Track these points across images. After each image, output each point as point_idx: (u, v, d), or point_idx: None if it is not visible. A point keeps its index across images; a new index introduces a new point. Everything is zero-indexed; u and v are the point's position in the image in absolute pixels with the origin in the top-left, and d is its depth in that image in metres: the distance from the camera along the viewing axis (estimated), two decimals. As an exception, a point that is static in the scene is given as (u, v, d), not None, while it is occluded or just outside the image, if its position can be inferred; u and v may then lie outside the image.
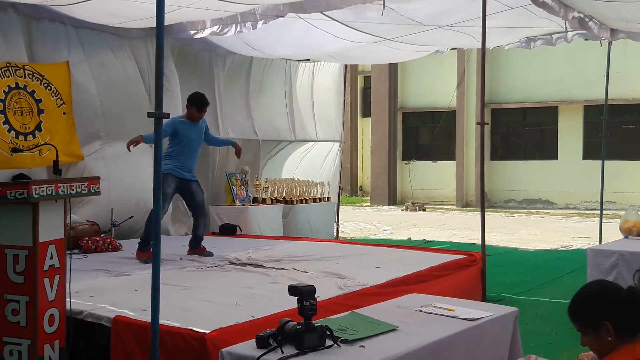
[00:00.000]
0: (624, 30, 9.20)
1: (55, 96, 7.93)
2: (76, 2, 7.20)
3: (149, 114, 3.79)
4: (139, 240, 7.03)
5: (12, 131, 7.41)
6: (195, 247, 7.28)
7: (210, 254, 7.16)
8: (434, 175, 20.96)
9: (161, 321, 3.94)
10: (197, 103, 7.10)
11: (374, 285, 5.56)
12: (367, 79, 22.95)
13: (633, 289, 2.57)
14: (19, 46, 7.68)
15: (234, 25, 8.15)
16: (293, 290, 2.98)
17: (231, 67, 10.67)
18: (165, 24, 7.42)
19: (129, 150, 6.72)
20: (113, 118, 8.61)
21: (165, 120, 6.78)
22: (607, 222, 10.64)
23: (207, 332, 3.99)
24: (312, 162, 12.26)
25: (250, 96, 11.04)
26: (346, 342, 3.04)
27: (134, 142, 6.68)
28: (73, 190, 4.14)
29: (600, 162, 10.09)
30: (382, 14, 7.13)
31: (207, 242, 8.34)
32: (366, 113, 23.07)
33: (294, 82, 11.96)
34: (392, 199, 21.06)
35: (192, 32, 8.72)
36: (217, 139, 8.03)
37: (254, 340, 2.98)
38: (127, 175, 8.42)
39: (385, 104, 21.18)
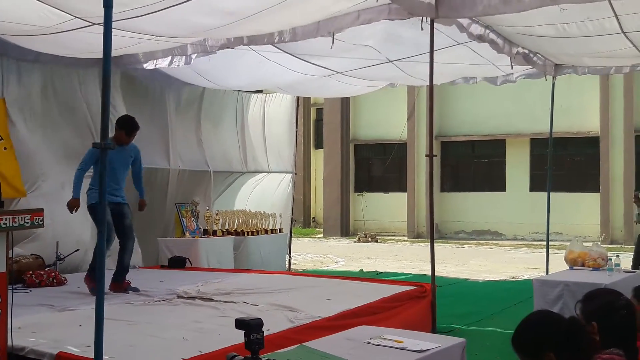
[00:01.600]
0: (568, 64, 9.50)
1: None
2: (27, 35, 7.10)
3: (94, 144, 3.73)
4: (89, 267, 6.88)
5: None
6: (120, 282, 6.96)
7: (136, 290, 6.92)
8: (385, 207, 21.13)
9: (106, 357, 3.85)
10: (126, 126, 6.97)
11: (324, 318, 5.53)
12: (319, 111, 23.13)
13: (575, 319, 2.61)
14: None
15: (184, 56, 8.14)
16: (240, 323, 2.94)
17: (183, 97, 10.63)
18: (115, 54, 7.37)
19: (72, 214, 6.75)
20: (54, 153, 8.45)
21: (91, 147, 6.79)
22: (554, 253, 10.84)
23: (153, 368, 3.91)
24: (264, 193, 12.24)
25: (202, 127, 10.99)
26: (294, 376, 3.01)
27: (73, 206, 6.74)
28: (16, 222, 4.03)
29: (546, 194, 10.32)
30: (331, 48, 7.21)
31: (156, 275, 8.25)
32: (319, 144, 23.20)
33: (246, 113, 11.97)
34: (345, 230, 21.12)
35: (142, 62, 8.67)
36: (139, 180, 7.38)
37: (200, 375, 2.92)
38: (66, 211, 8.25)
39: (338, 136, 21.36)
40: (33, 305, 5.98)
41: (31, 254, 7.74)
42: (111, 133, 6.93)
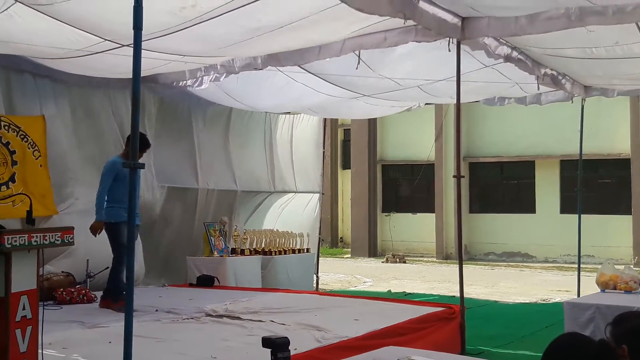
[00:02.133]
0: (597, 87, 9.43)
1: (32, 148, 7.93)
2: (58, 58, 7.27)
3: (124, 164, 3.80)
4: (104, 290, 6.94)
5: (-14, 181, 7.39)
6: (107, 299, 7.00)
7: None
8: (414, 228, 21.02)
9: (134, 374, 3.88)
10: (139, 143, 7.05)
11: (351, 338, 5.52)
12: (347, 132, 23.17)
13: (605, 342, 2.57)
14: None
15: (212, 74, 8.24)
16: (266, 342, 2.96)
17: (211, 117, 10.74)
18: (143, 75, 7.51)
19: (96, 236, 6.83)
20: (87, 172, 8.59)
21: (107, 164, 6.87)
22: (586, 276, 10.69)
23: (181, 385, 3.93)
24: (291, 213, 12.27)
25: (230, 147, 11.08)
26: (321, 395, 3.01)
27: (97, 229, 6.85)
28: (46, 240, 4.09)
29: (577, 216, 10.20)
30: (356, 68, 7.24)
31: (185, 293, 8.30)
32: (346, 165, 23.21)
33: (274, 133, 12.06)
34: (373, 251, 21.04)
35: (171, 83, 8.80)
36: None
37: (227, 393, 2.93)
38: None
39: (365, 156, 21.36)
40: (64, 322, 6.06)
41: (62, 272, 7.85)
42: (144, 157, 7.03)
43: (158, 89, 9.30)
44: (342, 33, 6.75)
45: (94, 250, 8.18)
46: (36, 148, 7.96)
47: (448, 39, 6.60)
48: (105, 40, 6.34)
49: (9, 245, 3.85)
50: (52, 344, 4.79)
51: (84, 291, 7.54)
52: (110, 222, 6.87)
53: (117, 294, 6.69)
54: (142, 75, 3.95)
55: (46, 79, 8.27)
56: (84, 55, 6.97)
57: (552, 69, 8.35)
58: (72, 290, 7.47)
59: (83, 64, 7.46)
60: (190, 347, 5.10)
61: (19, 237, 3.93)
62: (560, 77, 8.64)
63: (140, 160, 6.84)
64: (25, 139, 7.87)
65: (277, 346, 2.94)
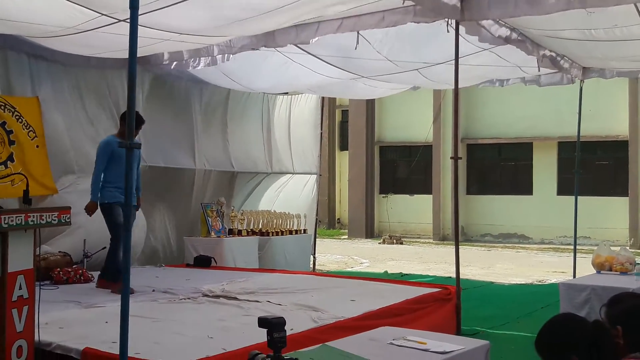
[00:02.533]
0: (596, 68, 9.40)
1: (27, 129, 7.89)
2: (55, 36, 7.21)
3: (120, 144, 3.78)
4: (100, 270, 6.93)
5: (-17, 161, 7.37)
6: (111, 280, 6.94)
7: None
8: (411, 209, 21.05)
9: (131, 354, 3.89)
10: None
11: (348, 318, 5.54)
12: (345, 113, 23.12)
13: (599, 323, 2.59)
14: None
15: (210, 56, 8.19)
16: (262, 322, 2.95)
17: (208, 98, 10.69)
18: (140, 55, 7.43)
19: (90, 216, 6.80)
20: (85, 152, 8.57)
21: (101, 144, 6.84)
22: (582, 257, 10.71)
23: (177, 365, 3.95)
24: (289, 195, 12.27)
25: (227, 128, 11.05)
26: (316, 375, 3.02)
27: (92, 209, 6.81)
28: (43, 220, 4.10)
29: (574, 197, 10.21)
30: (355, 49, 7.20)
31: (182, 273, 8.32)
32: (344, 146, 23.19)
33: (271, 114, 12.02)
34: (370, 232, 21.08)
35: (167, 62, 8.76)
36: (138, 177, 7.31)
37: (223, 373, 2.95)
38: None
39: (363, 138, 21.33)
40: (60, 302, 6.07)
41: (59, 252, 7.86)
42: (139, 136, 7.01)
43: (155, 69, 9.24)
44: (339, 9, 6.68)
45: (94, 230, 8.18)
46: (31, 129, 7.93)
47: (447, 19, 6.56)
48: (102, 15, 6.28)
49: (6, 225, 3.86)
50: (48, 323, 4.81)
51: (80, 271, 7.54)
52: (104, 202, 6.86)
53: (115, 275, 6.69)
54: (138, 55, 3.92)
55: (42, 60, 8.21)
56: (80, 32, 6.91)
57: (551, 51, 8.32)
58: (69, 270, 7.48)
59: (80, 42, 7.41)
60: (186, 327, 5.12)
61: (16, 216, 3.95)
62: (559, 59, 8.61)
63: (135, 139, 6.88)
64: (20, 120, 7.84)
65: (273, 326, 2.93)
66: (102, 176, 6.89)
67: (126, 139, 3.79)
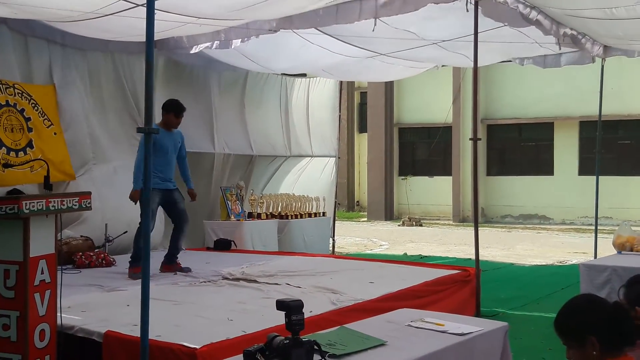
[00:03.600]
0: (617, 47, 9.26)
1: (42, 117, 7.96)
2: (73, 20, 7.24)
3: (139, 129, 3.80)
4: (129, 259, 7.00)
5: (3, 147, 7.44)
6: (172, 263, 7.12)
7: (187, 270, 7.05)
8: (430, 191, 20.99)
9: (152, 336, 3.94)
10: (175, 109, 7.05)
11: (366, 300, 5.56)
12: (363, 95, 23.04)
13: (619, 304, 2.57)
14: (11, 64, 7.72)
15: (228, 40, 8.18)
16: (280, 304, 2.98)
17: (226, 82, 10.70)
18: (158, 38, 7.42)
19: (136, 204, 6.82)
20: (103, 138, 8.63)
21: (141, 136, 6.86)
22: (603, 238, 10.64)
23: (197, 347, 3.99)
24: (308, 178, 12.28)
25: (245, 111, 11.06)
26: (334, 357, 3.04)
27: (136, 198, 6.82)
28: (64, 205, 4.15)
29: (595, 177, 10.11)
30: (373, 30, 7.16)
31: (202, 256, 8.39)
32: (363, 129, 23.13)
33: (290, 97, 12.01)
34: (389, 214, 21.07)
35: (186, 46, 8.75)
36: (185, 167, 7.43)
37: (242, 355, 2.97)
38: (118, 195, 8.40)
39: (382, 120, 21.25)
40: (82, 286, 6.15)
41: (81, 236, 7.94)
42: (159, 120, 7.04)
43: (172, 52, 9.25)
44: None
45: (112, 216, 8.27)
46: (46, 117, 7.99)
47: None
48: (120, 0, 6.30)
49: (27, 211, 3.91)
50: (71, 307, 4.88)
51: (102, 255, 7.63)
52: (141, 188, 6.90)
53: (137, 260, 6.77)
54: (156, 38, 3.93)
55: (61, 46, 8.24)
56: (98, 17, 6.93)
57: (572, 29, 8.20)
58: (91, 254, 7.57)
59: (98, 26, 7.43)
60: (207, 310, 5.16)
61: (37, 202, 3.99)
62: (580, 37, 8.49)
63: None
64: (36, 108, 7.90)
65: (291, 309, 2.96)
66: (142, 165, 6.90)
67: (145, 124, 3.82)
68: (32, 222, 3.99)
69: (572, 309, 2.57)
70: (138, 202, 6.71)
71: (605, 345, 2.43)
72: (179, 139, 7.25)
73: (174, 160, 7.18)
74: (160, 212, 7.79)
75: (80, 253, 7.51)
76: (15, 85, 7.69)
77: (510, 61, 10.45)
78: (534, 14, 7.25)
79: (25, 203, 3.90)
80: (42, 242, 4.07)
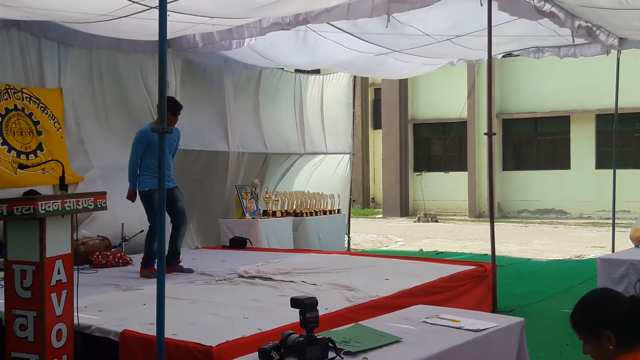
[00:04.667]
0: (633, 39, 9.17)
1: (52, 120, 8.01)
2: (88, 22, 7.28)
3: (152, 130, 3.81)
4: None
5: (13, 151, 7.50)
6: (173, 264, 7.04)
7: (190, 270, 7.03)
8: (446, 186, 20.91)
9: (168, 335, 3.96)
10: (172, 107, 7.03)
11: (382, 297, 5.55)
12: (377, 91, 22.98)
13: (635, 299, 2.54)
14: (19, 69, 7.77)
15: (240, 36, 8.19)
16: (295, 302, 2.98)
17: (240, 80, 10.70)
18: (171, 37, 7.41)
19: (133, 202, 6.94)
20: (114, 137, 8.67)
21: (137, 134, 6.89)
22: (621, 231, 10.55)
23: (213, 345, 4.00)
24: (322, 175, 12.28)
25: (260, 109, 11.07)
26: (349, 354, 3.03)
27: (130, 197, 6.92)
28: (79, 205, 4.17)
29: (612, 171, 10.03)
30: (386, 27, 7.14)
31: (218, 255, 8.42)
32: (377, 125, 23.08)
33: (304, 94, 12.00)
34: (405, 211, 21.01)
35: (199, 45, 8.76)
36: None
37: (257, 353, 2.98)
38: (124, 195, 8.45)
39: (396, 116, 21.19)
40: (99, 285, 6.19)
41: (98, 236, 7.99)
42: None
43: (186, 52, 9.26)
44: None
45: (123, 216, 8.29)
46: (55, 120, 8.05)
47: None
48: (133, 2, 6.32)
49: (43, 211, 3.93)
50: (87, 307, 4.91)
51: (119, 254, 7.67)
52: (144, 190, 6.91)
53: (147, 262, 6.80)
54: (169, 38, 3.94)
55: (72, 47, 8.26)
56: (111, 19, 6.97)
57: (586, 21, 8.13)
58: (108, 253, 7.61)
59: (111, 27, 7.47)
60: (222, 308, 5.17)
61: (53, 202, 4.02)
62: (595, 29, 8.41)
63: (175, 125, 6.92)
64: (46, 112, 7.95)
65: (306, 306, 2.96)
66: (137, 165, 6.94)
67: (158, 124, 3.83)
68: (48, 223, 4.01)
69: (588, 304, 2.54)
70: (137, 202, 6.77)
71: (621, 340, 2.40)
72: (176, 137, 7.24)
73: (171, 158, 7.20)
74: None
75: (97, 253, 7.56)
76: (24, 90, 7.75)
77: (524, 54, 10.35)
78: (547, 7, 7.20)
79: (41, 204, 3.93)
80: (58, 242, 4.09)
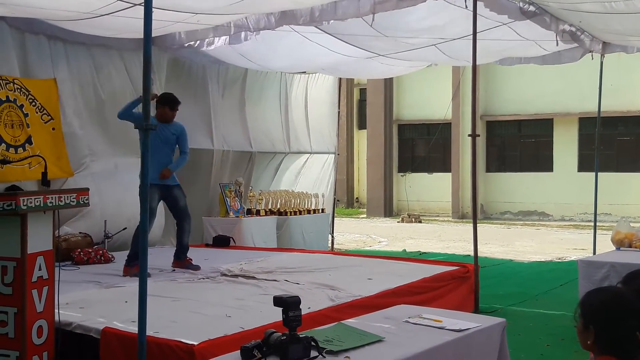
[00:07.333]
0: (616, 43, 9.25)
1: (40, 112, 7.91)
2: (72, 20, 7.22)
3: (137, 126, 3.80)
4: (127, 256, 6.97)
5: (3, 143, 7.42)
6: (182, 259, 7.13)
7: (197, 267, 7.04)
8: (429, 187, 20.99)
9: (150, 333, 3.94)
10: (170, 102, 6.96)
11: (365, 297, 5.56)
12: (363, 91, 23.02)
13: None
14: (11, 60, 7.68)
15: (227, 36, 8.17)
16: (278, 301, 2.98)
17: (225, 78, 10.67)
18: (156, 35, 7.37)
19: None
20: (104, 134, 8.61)
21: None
22: (602, 234, 10.65)
23: (195, 343, 3.99)
24: (307, 174, 12.27)
25: (245, 108, 11.04)
26: (331, 353, 3.04)
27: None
28: (62, 201, 4.14)
29: (594, 174, 10.11)
30: (371, 25, 7.15)
31: (201, 253, 8.37)
32: (362, 125, 23.12)
33: (289, 94, 11.98)
34: (388, 211, 21.07)
35: (184, 43, 8.73)
36: (180, 161, 7.24)
37: (239, 351, 2.97)
38: (117, 191, 8.39)
39: (381, 116, 21.24)
40: (81, 282, 6.15)
41: (80, 233, 7.94)
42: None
43: (171, 49, 9.22)
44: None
45: (111, 212, 8.26)
46: (44, 112, 7.95)
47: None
48: (117, 0, 6.28)
49: (25, 207, 3.90)
50: (69, 303, 4.86)
51: (101, 251, 7.62)
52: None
53: (133, 259, 6.75)
54: (154, 35, 3.92)
55: (60, 42, 8.21)
56: (95, 17, 6.92)
57: (570, 25, 8.19)
58: (90, 250, 7.56)
59: (97, 24, 7.41)
60: (205, 306, 5.16)
61: (35, 198, 3.98)
62: (579, 33, 8.47)
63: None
64: (34, 103, 7.85)
65: (288, 305, 2.96)
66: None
67: (157, 118, 3.81)
68: (30, 219, 3.98)
69: (597, 296, 2.47)
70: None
71: (599, 341, 2.40)
72: (176, 132, 7.08)
73: (171, 154, 7.09)
74: (161, 207, 7.77)
75: (79, 249, 7.51)
76: (15, 81, 7.67)
77: (509, 62, 10.43)
78: (532, 9, 7.25)
79: (23, 199, 3.89)
80: (39, 238, 4.06)
